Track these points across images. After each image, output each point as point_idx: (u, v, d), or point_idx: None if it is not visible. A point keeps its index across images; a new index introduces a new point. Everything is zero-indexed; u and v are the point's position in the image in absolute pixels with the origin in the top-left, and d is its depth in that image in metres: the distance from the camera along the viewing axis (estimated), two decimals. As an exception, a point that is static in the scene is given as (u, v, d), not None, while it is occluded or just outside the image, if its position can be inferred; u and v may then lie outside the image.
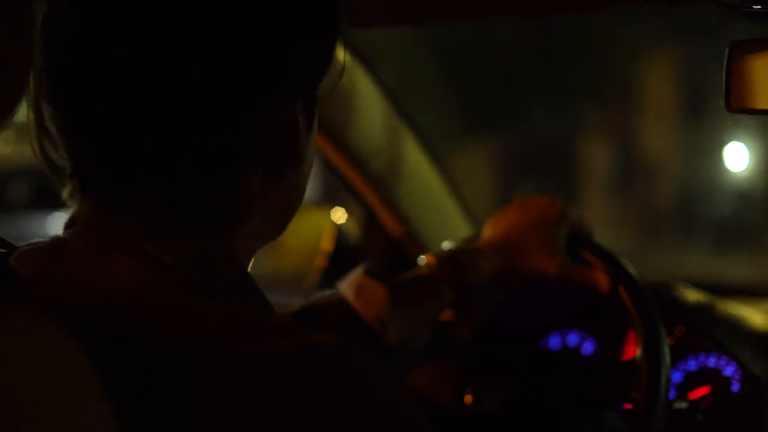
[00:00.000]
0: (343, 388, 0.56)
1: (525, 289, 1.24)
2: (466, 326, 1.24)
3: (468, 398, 1.16)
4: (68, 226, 0.66)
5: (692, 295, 1.27)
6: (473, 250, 1.12)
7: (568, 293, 1.22)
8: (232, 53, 0.62)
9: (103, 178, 0.64)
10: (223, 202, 0.65)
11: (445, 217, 1.57)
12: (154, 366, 0.56)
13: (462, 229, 1.56)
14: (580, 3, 1.05)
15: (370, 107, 1.42)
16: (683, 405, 1.11)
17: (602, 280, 1.10)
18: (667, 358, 1.01)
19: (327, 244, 1.36)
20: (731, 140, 2.07)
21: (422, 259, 1.13)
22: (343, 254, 1.38)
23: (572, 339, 1.24)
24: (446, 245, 1.15)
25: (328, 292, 1.09)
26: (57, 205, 0.69)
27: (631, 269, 1.07)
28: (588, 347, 1.23)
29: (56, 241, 0.65)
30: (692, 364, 1.16)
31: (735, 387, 1.12)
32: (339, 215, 1.42)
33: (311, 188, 0.76)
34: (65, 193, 0.67)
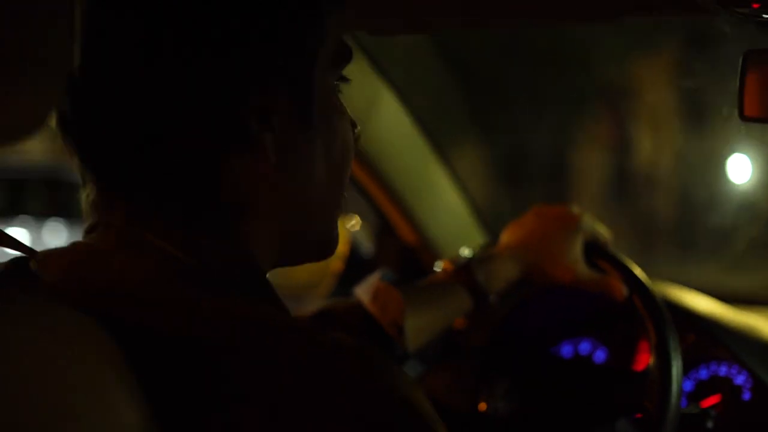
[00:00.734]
0: (362, 386, 0.57)
1: (538, 297, 1.25)
2: (480, 332, 1.24)
3: (482, 405, 1.17)
4: (88, 231, 0.67)
5: (702, 304, 1.27)
6: (490, 257, 1.12)
7: (580, 301, 1.22)
8: (213, 37, 0.62)
9: (107, 174, 0.66)
10: (221, 192, 0.65)
11: (458, 224, 1.57)
12: (179, 362, 0.57)
13: (475, 236, 1.56)
14: (594, 12, 1.06)
15: (384, 114, 1.43)
16: (694, 413, 1.12)
17: (617, 289, 1.11)
18: (680, 367, 1.02)
19: (343, 249, 1.36)
20: (734, 151, 2.08)
21: (439, 265, 1.14)
22: (357, 262, 1.38)
23: (584, 347, 1.25)
24: (464, 252, 1.16)
25: (344, 298, 1.10)
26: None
27: (646, 278, 1.08)
28: (600, 355, 1.23)
29: (76, 245, 0.66)
30: (703, 373, 1.16)
31: (746, 395, 1.13)
32: (353, 223, 1.43)
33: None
34: (83, 197, 0.68)
